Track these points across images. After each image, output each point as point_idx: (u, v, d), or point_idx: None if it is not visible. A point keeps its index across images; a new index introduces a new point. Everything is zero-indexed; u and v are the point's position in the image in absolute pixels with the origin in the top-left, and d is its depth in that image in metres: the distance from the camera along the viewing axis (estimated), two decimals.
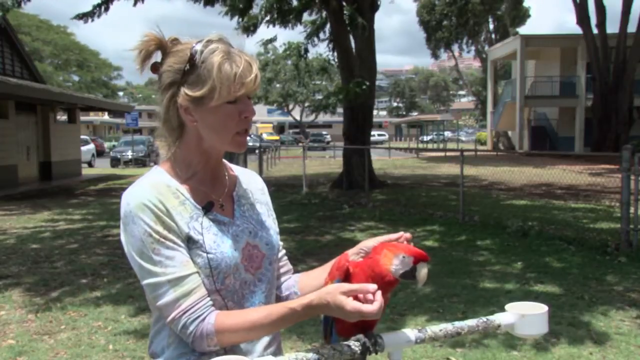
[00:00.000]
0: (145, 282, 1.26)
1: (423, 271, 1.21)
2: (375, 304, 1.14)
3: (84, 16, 14.61)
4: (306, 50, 16.98)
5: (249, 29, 16.23)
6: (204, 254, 1.28)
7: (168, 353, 1.32)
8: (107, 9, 14.55)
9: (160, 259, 1.24)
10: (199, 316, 1.24)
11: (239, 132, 1.31)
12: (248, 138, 1.39)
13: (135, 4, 14.35)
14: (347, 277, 1.26)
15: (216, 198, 1.36)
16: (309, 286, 1.45)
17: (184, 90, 1.28)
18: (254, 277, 1.36)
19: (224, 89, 1.25)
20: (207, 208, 1.32)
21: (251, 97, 1.33)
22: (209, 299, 1.27)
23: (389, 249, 1.24)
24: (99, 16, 14.54)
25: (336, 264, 1.29)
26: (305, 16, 16.83)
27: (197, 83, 1.27)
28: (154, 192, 1.27)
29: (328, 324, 1.34)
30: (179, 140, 1.35)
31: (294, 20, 16.22)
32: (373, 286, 1.16)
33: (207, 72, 1.26)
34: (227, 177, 1.43)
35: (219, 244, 1.30)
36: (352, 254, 1.33)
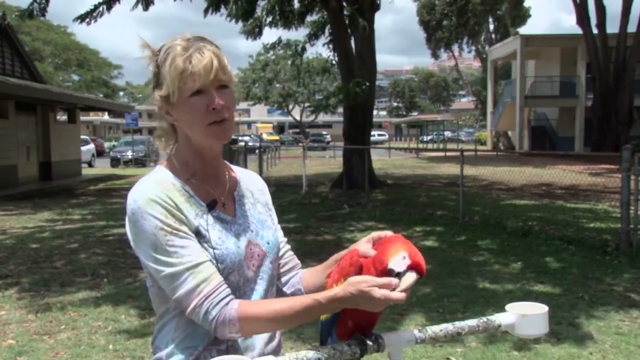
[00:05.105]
0: (162, 274, 1.26)
1: (410, 276, 1.18)
2: (403, 293, 1.17)
3: (84, 17, 13.96)
4: (303, 49, 16.93)
5: (254, 32, 16.14)
6: (211, 249, 1.30)
7: (171, 347, 1.32)
8: (109, 8, 13.93)
9: (176, 249, 1.25)
10: (221, 300, 1.25)
11: (211, 124, 1.30)
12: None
13: (146, 8, 13.94)
14: (360, 272, 1.24)
15: (218, 196, 1.38)
16: (311, 284, 1.46)
17: (156, 92, 1.33)
18: (255, 275, 1.37)
19: (179, 84, 1.27)
20: (211, 205, 1.34)
21: (227, 87, 1.31)
22: (226, 285, 1.27)
23: (401, 243, 1.23)
24: (101, 16, 13.91)
25: (348, 260, 1.28)
26: (308, 17, 16.77)
27: (162, 83, 1.31)
28: (161, 189, 1.29)
29: (327, 330, 1.33)
30: (176, 140, 1.40)
31: (296, 22, 16.15)
32: (395, 280, 1.18)
33: (165, 71, 1.29)
34: (227, 178, 1.44)
35: (224, 240, 1.32)
36: (363, 247, 1.29)
